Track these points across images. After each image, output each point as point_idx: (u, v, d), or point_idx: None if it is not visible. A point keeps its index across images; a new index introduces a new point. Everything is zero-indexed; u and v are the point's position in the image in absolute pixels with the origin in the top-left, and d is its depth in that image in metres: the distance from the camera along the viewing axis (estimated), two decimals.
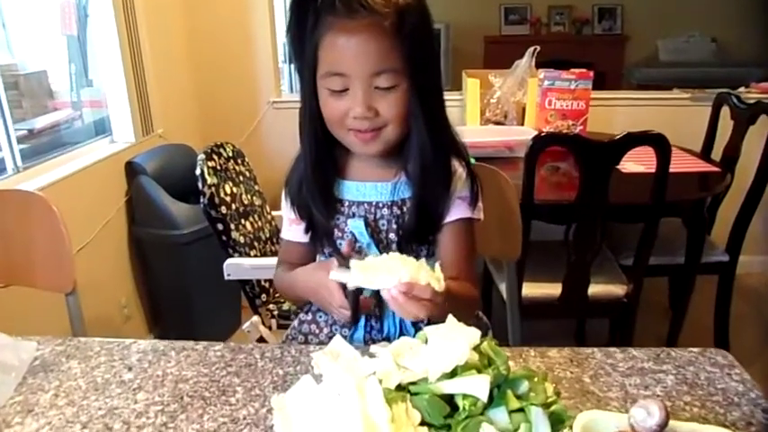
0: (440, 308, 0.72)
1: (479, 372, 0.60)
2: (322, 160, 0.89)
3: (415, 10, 0.81)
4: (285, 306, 1.62)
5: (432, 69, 0.85)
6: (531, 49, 2.40)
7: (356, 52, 0.78)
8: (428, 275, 0.71)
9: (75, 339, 0.87)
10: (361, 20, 0.78)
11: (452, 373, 0.60)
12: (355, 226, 0.89)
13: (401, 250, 0.89)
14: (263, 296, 1.63)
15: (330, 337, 0.96)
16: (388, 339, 0.92)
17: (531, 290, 1.73)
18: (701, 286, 1.96)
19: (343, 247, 0.81)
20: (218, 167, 1.60)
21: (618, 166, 1.55)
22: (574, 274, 1.68)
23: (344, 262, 0.79)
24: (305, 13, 0.81)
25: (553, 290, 1.73)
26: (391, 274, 0.71)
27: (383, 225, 0.89)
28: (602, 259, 1.77)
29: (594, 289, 1.72)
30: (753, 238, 2.14)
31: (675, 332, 1.97)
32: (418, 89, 0.82)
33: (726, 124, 2.24)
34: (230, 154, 1.69)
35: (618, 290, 1.75)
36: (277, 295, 1.67)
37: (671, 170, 1.55)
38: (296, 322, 1.06)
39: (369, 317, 0.92)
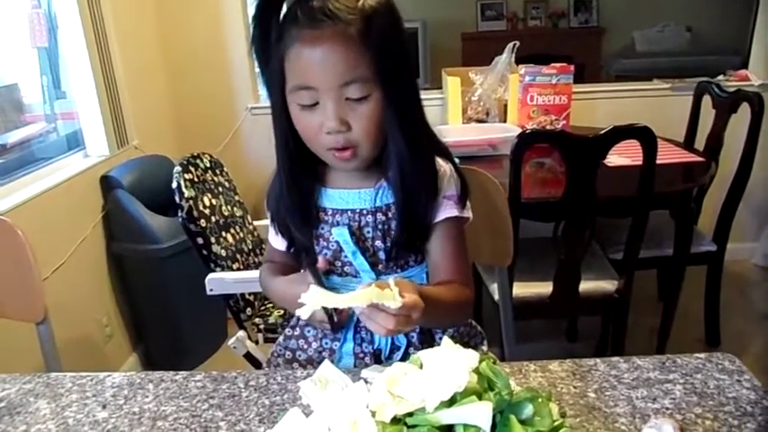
0: (412, 320, 0.68)
1: (480, 397, 0.56)
2: (296, 178, 0.86)
3: (383, 13, 0.77)
4: (271, 320, 1.57)
5: (405, 75, 0.80)
6: (511, 44, 2.37)
7: (323, 63, 0.74)
8: (382, 298, 0.65)
9: (45, 376, 0.81)
10: (326, 29, 0.74)
11: (451, 401, 0.56)
12: (339, 234, 0.86)
13: (389, 258, 0.88)
14: (249, 310, 1.57)
15: (319, 352, 0.94)
16: (380, 354, 0.89)
17: (521, 290, 1.70)
18: (689, 275, 1.95)
19: (320, 263, 0.78)
20: (196, 179, 1.54)
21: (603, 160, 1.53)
22: (564, 271, 1.66)
23: (319, 279, 0.77)
24: (268, 25, 0.78)
25: (544, 288, 1.70)
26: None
27: (368, 233, 0.87)
28: (591, 255, 1.75)
29: (585, 286, 1.69)
30: (738, 226, 2.14)
31: (667, 324, 1.96)
32: (392, 97, 0.78)
33: (707, 113, 2.23)
34: (207, 165, 1.64)
35: (609, 285, 1.72)
36: (263, 309, 1.62)
37: (656, 162, 1.53)
38: (281, 338, 1.03)
39: (358, 327, 0.89)
